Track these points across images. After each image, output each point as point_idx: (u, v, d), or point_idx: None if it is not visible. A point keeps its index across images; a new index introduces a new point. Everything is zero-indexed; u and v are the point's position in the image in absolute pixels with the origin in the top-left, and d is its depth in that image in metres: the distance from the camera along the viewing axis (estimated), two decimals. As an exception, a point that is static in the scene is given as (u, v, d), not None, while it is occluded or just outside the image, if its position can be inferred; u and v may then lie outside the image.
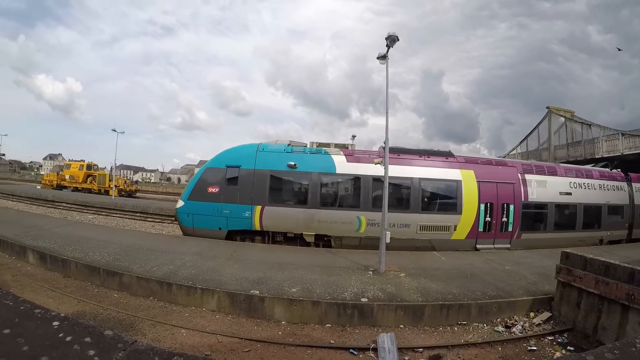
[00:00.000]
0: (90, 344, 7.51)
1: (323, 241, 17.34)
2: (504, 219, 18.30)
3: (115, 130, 45.92)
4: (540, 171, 19.92)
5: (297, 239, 17.45)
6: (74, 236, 16.11)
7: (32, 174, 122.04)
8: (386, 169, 13.24)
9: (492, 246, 18.02)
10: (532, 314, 10.45)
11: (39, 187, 53.53)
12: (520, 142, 47.10)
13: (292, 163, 17.25)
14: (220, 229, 17.41)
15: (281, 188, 17.64)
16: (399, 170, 17.18)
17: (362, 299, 9.98)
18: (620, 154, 33.85)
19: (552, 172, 20.29)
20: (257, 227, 17.13)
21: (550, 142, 42.03)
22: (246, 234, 17.54)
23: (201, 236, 17.42)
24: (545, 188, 19.35)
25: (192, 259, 13.24)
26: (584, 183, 20.64)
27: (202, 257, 13.61)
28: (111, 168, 51.47)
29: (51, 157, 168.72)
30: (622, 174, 23.07)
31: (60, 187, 51.50)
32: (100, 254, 13.28)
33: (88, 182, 51.61)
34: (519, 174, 19.12)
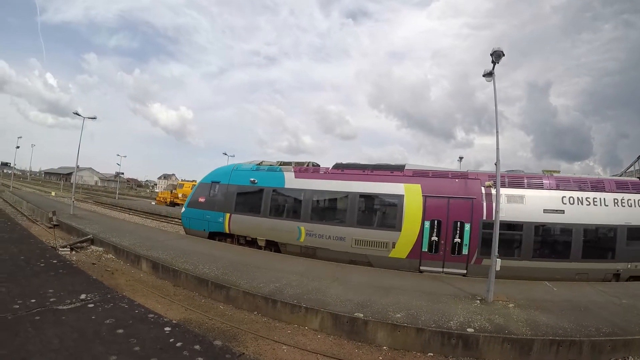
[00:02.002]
0: (199, 352, 7.82)
1: (274, 246, 19.19)
2: (457, 240, 15.89)
3: (226, 154, 48.75)
4: (515, 184, 16.19)
5: (255, 243, 19.74)
6: (184, 249, 17.15)
7: (148, 191, 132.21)
8: (498, 191, 12.43)
9: (440, 270, 15.98)
10: None
11: (153, 203, 57.98)
12: (638, 158, 41.69)
13: (253, 179, 20.13)
14: (204, 230, 21.23)
15: (244, 200, 20.33)
16: (337, 185, 18.12)
17: (468, 329, 9.33)
18: None
19: (535, 185, 16.24)
20: (227, 230, 20.39)
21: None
22: (222, 236, 20.79)
23: (194, 235, 21.61)
24: (521, 204, 15.80)
25: (296, 278, 13.36)
26: (587, 198, 15.60)
27: (305, 277, 13.68)
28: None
29: (165, 176, 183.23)
30: None
31: (173, 204, 55.28)
32: (209, 268, 13.96)
33: (199, 201, 54.07)
34: (482, 188, 16.22)
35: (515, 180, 16.28)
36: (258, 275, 13.32)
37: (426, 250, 16.16)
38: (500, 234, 13.91)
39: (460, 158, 39.32)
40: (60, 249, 16.79)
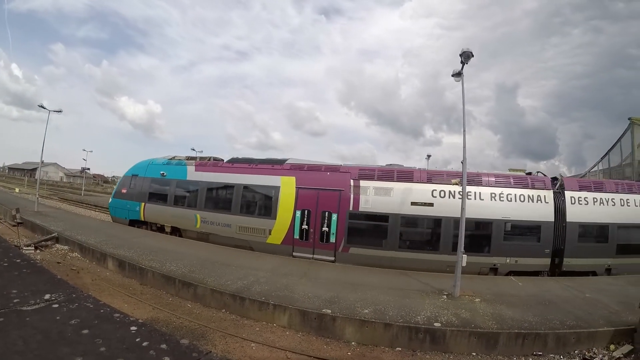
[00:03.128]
0: (165, 351, 7.78)
1: (178, 232, 21.45)
2: (325, 229, 17.24)
3: (194, 150, 48.28)
4: (385, 177, 17.22)
5: (163, 229, 22.01)
6: (151, 247, 16.97)
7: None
8: (464, 189, 12.66)
9: (311, 256, 17.37)
10: (612, 347, 9.44)
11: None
12: (602, 158, 42.87)
13: (163, 172, 22.43)
14: (126, 218, 23.52)
15: (155, 191, 22.57)
16: (227, 177, 20.31)
17: (435, 324, 9.52)
18: None
19: (405, 178, 17.04)
20: (142, 218, 22.78)
21: (634, 157, 38.04)
22: (139, 223, 23.01)
23: (119, 223, 23.83)
24: (388, 197, 16.73)
25: (265, 275, 13.39)
26: (459, 192, 15.24)
27: (274, 274, 13.72)
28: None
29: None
30: (548, 179, 17.31)
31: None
32: (176, 265, 13.87)
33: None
34: (351, 180, 17.41)
35: (385, 173, 17.42)
36: (226, 273, 13.30)
37: (298, 237, 17.65)
38: (366, 224, 17.03)
39: (428, 156, 40.31)
40: (24, 248, 16.32)
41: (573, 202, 16.39)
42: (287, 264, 15.64)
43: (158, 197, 22.33)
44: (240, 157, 21.88)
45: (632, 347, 9.22)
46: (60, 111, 30.63)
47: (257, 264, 15.04)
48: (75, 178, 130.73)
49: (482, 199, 15.99)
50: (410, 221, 16.66)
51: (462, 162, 12.98)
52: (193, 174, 21.53)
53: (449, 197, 16.14)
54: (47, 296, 10.45)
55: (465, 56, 12.29)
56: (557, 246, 16.16)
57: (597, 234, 16.57)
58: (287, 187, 18.32)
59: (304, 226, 17.53)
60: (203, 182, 20.80)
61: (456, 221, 14.63)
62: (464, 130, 12.75)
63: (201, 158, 23.49)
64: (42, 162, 30.65)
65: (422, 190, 16.49)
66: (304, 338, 9.60)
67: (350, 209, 16.90)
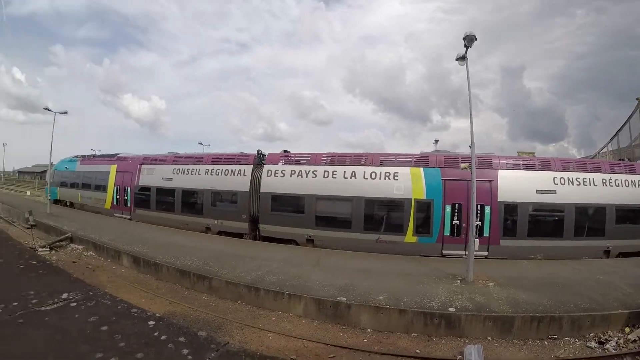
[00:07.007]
0: (184, 344, 7.85)
1: (72, 204, 31.82)
2: (125, 198, 25.84)
3: (201, 144, 48.63)
4: (152, 161, 24.97)
5: (73, 205, 31.72)
6: (164, 242, 17.19)
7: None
8: (473, 173, 12.58)
9: (121, 215, 25.87)
10: (627, 329, 9.38)
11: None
12: (611, 139, 42.24)
13: (67, 166, 33.07)
14: (52, 198, 31.34)
15: (65, 179, 32.97)
16: (91, 167, 30.33)
17: (450, 309, 9.52)
18: None
19: (162, 161, 24.51)
20: (58, 198, 33.11)
21: (644, 138, 37.15)
22: (57, 202, 32.60)
23: (53, 204, 30.73)
24: (152, 175, 24.27)
25: (278, 265, 13.47)
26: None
27: (287, 263, 13.80)
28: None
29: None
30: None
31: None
32: (190, 259, 14.00)
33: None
34: (138, 165, 25.30)
35: (153, 159, 25.25)
36: (240, 264, 13.40)
37: (115, 204, 26.55)
38: (143, 196, 24.56)
39: (436, 141, 39.89)
40: (39, 249, 16.56)
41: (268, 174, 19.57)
42: (299, 254, 15.67)
43: (62, 183, 33.13)
44: (113, 153, 31.54)
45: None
46: (65, 112, 30.60)
47: (269, 255, 15.13)
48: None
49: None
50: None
51: (470, 146, 12.87)
52: (78, 167, 31.95)
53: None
54: (64, 295, 10.60)
55: (469, 40, 12.12)
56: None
57: None
58: (112, 172, 27.19)
59: (117, 196, 26.55)
60: (81, 172, 31.17)
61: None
62: (471, 114, 12.62)
63: (86, 156, 33.80)
64: (52, 164, 31.07)
65: (165, 170, 23.64)
66: (320, 326, 9.67)
67: (136, 183, 25.21)
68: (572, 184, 15.94)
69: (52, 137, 27.47)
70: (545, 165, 16.43)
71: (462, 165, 14.53)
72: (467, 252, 13.41)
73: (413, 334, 9.28)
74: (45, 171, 41.69)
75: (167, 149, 33.88)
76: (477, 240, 12.28)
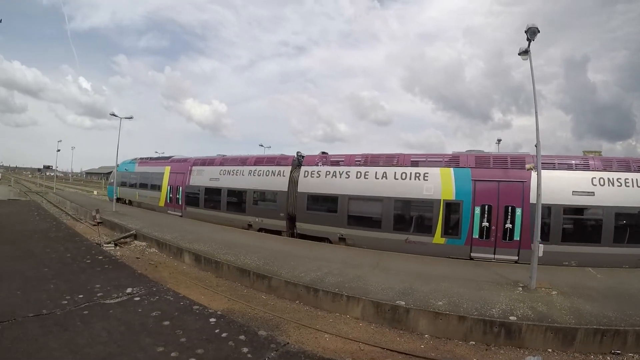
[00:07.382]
0: (244, 342, 7.93)
1: (130, 202, 35.29)
2: (177, 196, 28.21)
3: (262, 145, 49.79)
4: (202, 163, 27.26)
5: (132, 203, 34.86)
6: (227, 241, 17.58)
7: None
8: (539, 174, 11.99)
9: (173, 213, 28.22)
10: None
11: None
12: None
13: (127, 168, 36.37)
14: (112, 197, 35.20)
15: (124, 179, 36.16)
16: (148, 169, 33.34)
17: (511, 317, 9.11)
18: None
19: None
20: (118, 196, 34.81)
21: None
22: (118, 200, 34.04)
23: (110, 200, 36.12)
24: (201, 176, 26.32)
25: (337, 266, 13.46)
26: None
27: (346, 265, 13.77)
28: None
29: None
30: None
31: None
32: (250, 258, 14.27)
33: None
34: (189, 167, 27.64)
35: (205, 161, 27.36)
36: (299, 265, 13.51)
37: (169, 202, 29.19)
38: (192, 194, 27.01)
39: (499, 140, 38.42)
40: (105, 245, 17.41)
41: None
42: (358, 256, 15.60)
43: (123, 183, 35.96)
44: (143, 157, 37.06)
45: None
46: (131, 117, 32.90)
47: (329, 256, 15.19)
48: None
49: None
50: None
51: (535, 146, 12.32)
52: (137, 168, 35.13)
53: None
54: (128, 290, 11.06)
55: (531, 32, 11.58)
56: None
57: None
58: (166, 172, 29.95)
59: (170, 195, 29.13)
60: (139, 172, 34.30)
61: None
62: (536, 111, 11.96)
63: (145, 158, 37.14)
64: (118, 165, 32.75)
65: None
66: (377, 330, 9.52)
67: (187, 184, 27.46)
68: (613, 185, 14.60)
69: (118, 140, 29.00)
70: (584, 164, 15.34)
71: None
72: (497, 256, 14.53)
73: (471, 342, 8.95)
74: (110, 172, 44.04)
75: (230, 151, 35.95)
76: (541, 246, 11.63)
